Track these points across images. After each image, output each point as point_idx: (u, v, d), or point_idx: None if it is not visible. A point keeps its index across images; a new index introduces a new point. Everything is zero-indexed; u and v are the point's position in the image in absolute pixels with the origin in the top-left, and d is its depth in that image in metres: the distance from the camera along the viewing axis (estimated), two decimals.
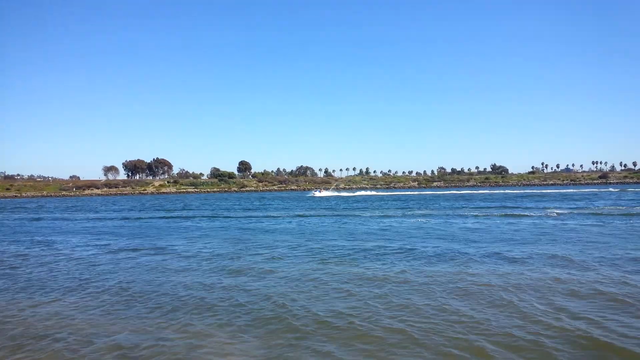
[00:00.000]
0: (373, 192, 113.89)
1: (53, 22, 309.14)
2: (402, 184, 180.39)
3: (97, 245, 21.13)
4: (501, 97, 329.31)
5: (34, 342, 7.96)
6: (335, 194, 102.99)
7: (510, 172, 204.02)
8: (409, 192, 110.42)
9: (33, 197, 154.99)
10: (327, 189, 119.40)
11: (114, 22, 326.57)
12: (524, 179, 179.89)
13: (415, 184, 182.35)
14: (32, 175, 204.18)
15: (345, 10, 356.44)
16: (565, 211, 35.32)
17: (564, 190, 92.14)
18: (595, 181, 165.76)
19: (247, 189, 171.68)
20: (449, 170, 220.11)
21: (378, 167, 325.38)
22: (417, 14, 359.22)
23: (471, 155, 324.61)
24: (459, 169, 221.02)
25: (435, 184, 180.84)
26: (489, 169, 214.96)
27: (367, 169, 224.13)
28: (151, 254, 17.88)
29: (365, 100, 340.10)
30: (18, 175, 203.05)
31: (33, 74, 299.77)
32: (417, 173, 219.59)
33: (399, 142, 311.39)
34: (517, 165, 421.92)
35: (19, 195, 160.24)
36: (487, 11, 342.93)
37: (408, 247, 17.87)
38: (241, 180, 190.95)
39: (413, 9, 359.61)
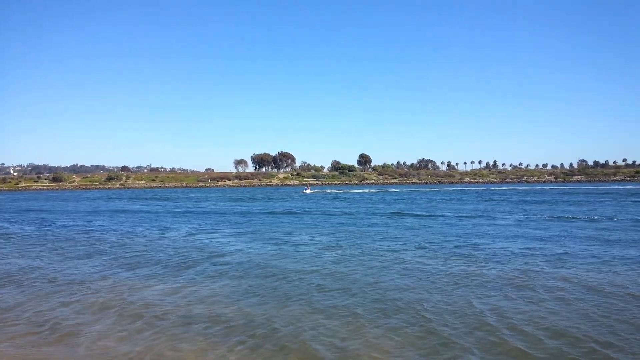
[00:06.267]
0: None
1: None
2: (535, 178, 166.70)
3: None
4: None
5: None
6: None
7: None
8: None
9: (174, 187, 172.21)
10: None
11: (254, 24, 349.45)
12: None
13: (552, 177, 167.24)
14: (173, 168, 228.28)
15: None
16: None
17: None
18: None
19: (367, 181, 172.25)
20: (590, 163, 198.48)
21: (507, 159, 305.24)
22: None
23: (618, 146, 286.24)
24: (602, 161, 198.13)
25: (575, 178, 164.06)
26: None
27: (494, 162, 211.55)
28: None
29: (490, 86, 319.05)
30: (162, 167, 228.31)
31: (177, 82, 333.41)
32: (552, 166, 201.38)
33: (532, 132, 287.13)
34: None
35: (162, 185, 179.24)
36: None
37: None
38: (361, 173, 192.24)
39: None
